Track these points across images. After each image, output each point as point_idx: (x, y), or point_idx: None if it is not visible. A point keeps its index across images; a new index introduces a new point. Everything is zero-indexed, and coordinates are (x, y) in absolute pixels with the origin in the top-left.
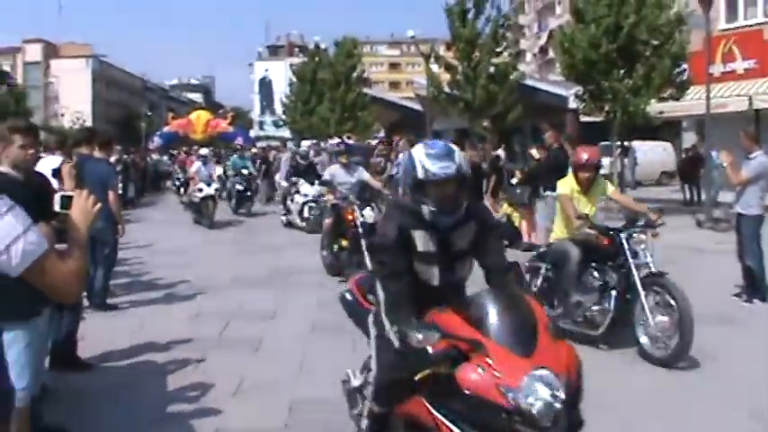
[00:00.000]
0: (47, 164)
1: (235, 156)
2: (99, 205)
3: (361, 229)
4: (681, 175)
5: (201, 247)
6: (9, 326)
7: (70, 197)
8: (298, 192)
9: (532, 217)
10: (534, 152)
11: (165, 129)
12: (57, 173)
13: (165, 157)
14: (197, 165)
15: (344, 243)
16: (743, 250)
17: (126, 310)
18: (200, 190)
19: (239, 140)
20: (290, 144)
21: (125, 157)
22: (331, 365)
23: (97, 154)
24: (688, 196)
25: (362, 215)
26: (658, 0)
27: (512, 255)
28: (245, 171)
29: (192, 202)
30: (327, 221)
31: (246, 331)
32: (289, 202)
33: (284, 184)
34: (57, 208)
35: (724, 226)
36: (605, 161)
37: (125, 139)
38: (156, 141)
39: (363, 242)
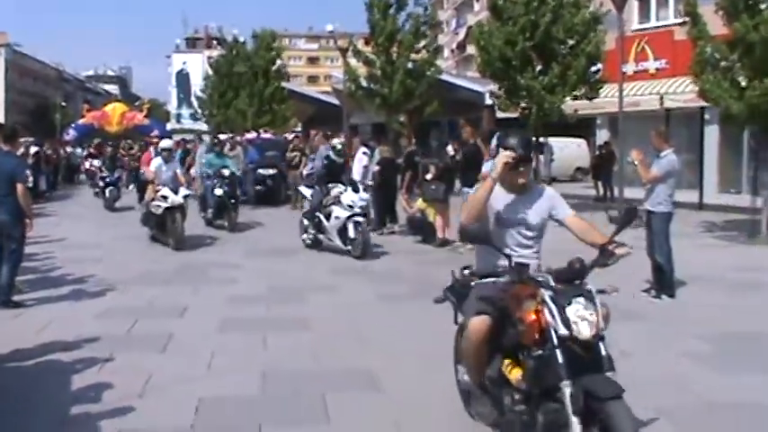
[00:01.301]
0: None
1: (211, 154)
2: None
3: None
4: (593, 172)
5: (113, 243)
6: None
7: None
8: (337, 202)
9: (447, 213)
10: (449, 148)
11: (81, 121)
12: None
13: (79, 150)
14: (156, 162)
15: None
16: (652, 247)
17: (32, 308)
18: (164, 198)
19: (155, 133)
20: (205, 137)
21: (36, 149)
22: (241, 363)
23: (3, 147)
24: (600, 192)
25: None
26: (576, 0)
27: (426, 250)
28: (225, 171)
29: (151, 214)
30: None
31: (155, 328)
32: (322, 218)
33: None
34: None
35: (636, 222)
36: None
37: (39, 130)
38: (71, 134)
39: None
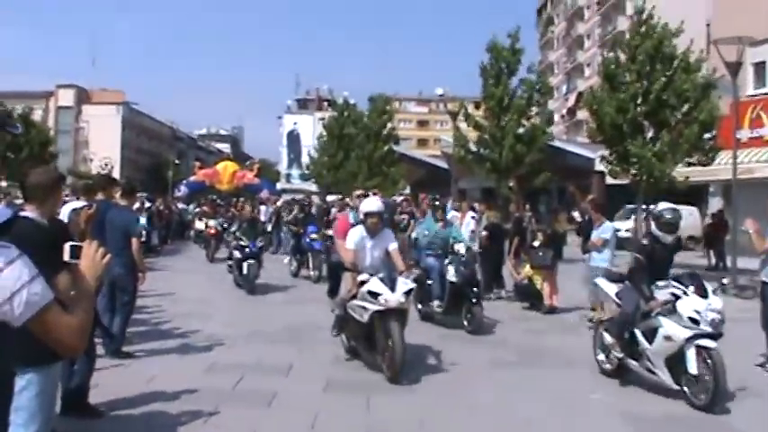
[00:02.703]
0: (69, 209)
1: (429, 218)
2: (108, 257)
3: None
4: (706, 241)
5: (222, 299)
6: (23, 370)
7: (80, 247)
8: (670, 311)
9: (554, 279)
10: (576, 215)
11: (192, 178)
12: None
13: (191, 206)
14: (357, 234)
15: None
16: (767, 319)
17: (141, 359)
18: (373, 295)
19: (264, 193)
20: (315, 198)
21: (150, 204)
22: (344, 424)
23: (121, 201)
24: (713, 262)
25: None
26: (688, 65)
27: (534, 317)
28: (459, 247)
29: (350, 320)
30: None
31: (261, 385)
32: (639, 336)
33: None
34: (66, 257)
35: (749, 293)
36: (628, 224)
37: (152, 186)
38: (183, 190)
39: None
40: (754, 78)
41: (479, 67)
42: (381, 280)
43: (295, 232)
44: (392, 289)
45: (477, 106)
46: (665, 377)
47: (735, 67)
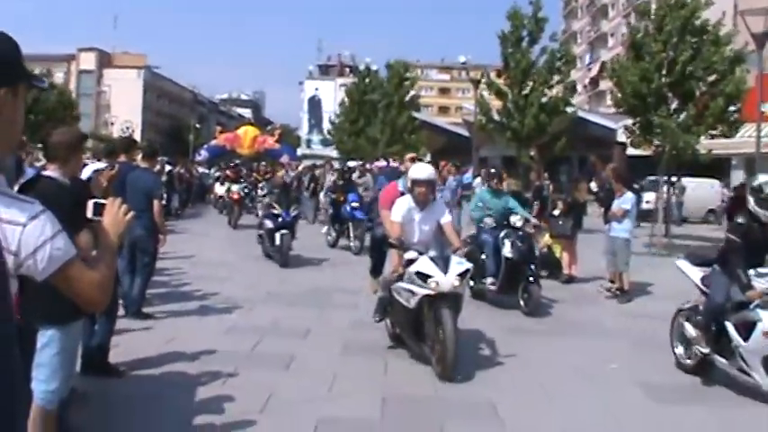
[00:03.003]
0: (91, 170)
1: (483, 188)
2: (131, 214)
3: None
4: (727, 214)
5: (241, 262)
6: (45, 327)
7: (103, 204)
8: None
9: (574, 249)
10: (593, 185)
11: (213, 142)
12: (90, 180)
13: (212, 170)
14: (404, 204)
15: None
16: None
17: (161, 320)
18: (423, 277)
19: (285, 158)
20: (335, 163)
21: (170, 168)
22: (361, 387)
23: (142, 164)
24: None
25: None
26: (717, 37)
27: (552, 286)
28: (516, 219)
29: (396, 304)
30: None
31: (279, 348)
32: (731, 330)
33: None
34: (89, 215)
35: None
36: (651, 196)
37: (173, 150)
38: (203, 155)
39: None
40: None
41: (497, 36)
42: (432, 260)
43: (334, 200)
44: (444, 270)
45: (499, 74)
46: (761, 380)
47: (762, 39)
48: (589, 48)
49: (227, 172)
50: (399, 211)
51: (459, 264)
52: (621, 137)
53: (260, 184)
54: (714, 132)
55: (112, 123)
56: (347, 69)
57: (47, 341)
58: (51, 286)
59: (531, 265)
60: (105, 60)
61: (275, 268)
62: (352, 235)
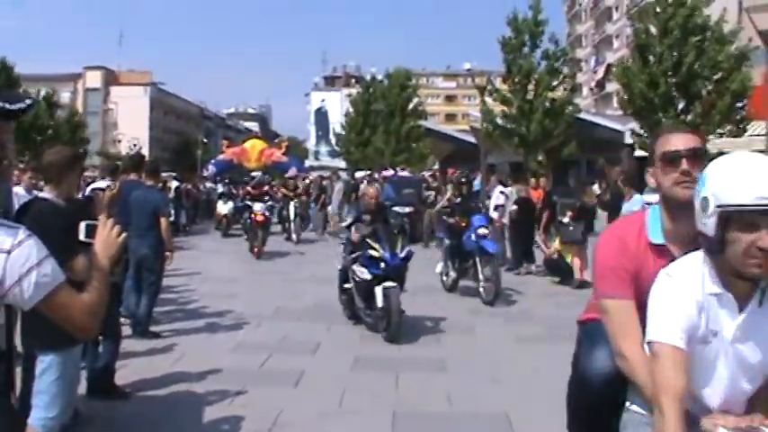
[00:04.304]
0: (90, 188)
1: None
2: (123, 235)
3: None
4: None
5: (249, 277)
6: (44, 353)
7: (95, 226)
8: None
9: (585, 254)
10: (596, 188)
11: (220, 156)
12: (89, 199)
13: (220, 186)
14: None
15: None
16: None
17: (168, 339)
18: None
19: (293, 171)
20: (342, 174)
21: (177, 184)
22: (372, 402)
23: (146, 181)
24: None
25: None
26: (721, 36)
27: (564, 291)
28: None
29: None
30: None
31: (288, 364)
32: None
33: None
34: (81, 237)
35: None
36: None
37: (181, 166)
38: (211, 169)
39: None
40: None
41: (498, 42)
42: None
43: (452, 225)
44: None
45: (504, 80)
46: None
47: None
48: (594, 51)
49: (249, 188)
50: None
51: None
52: (629, 139)
53: (293, 202)
54: (721, 131)
55: (120, 141)
56: (353, 80)
57: (46, 366)
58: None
59: None
60: (111, 78)
61: (283, 283)
62: (480, 275)
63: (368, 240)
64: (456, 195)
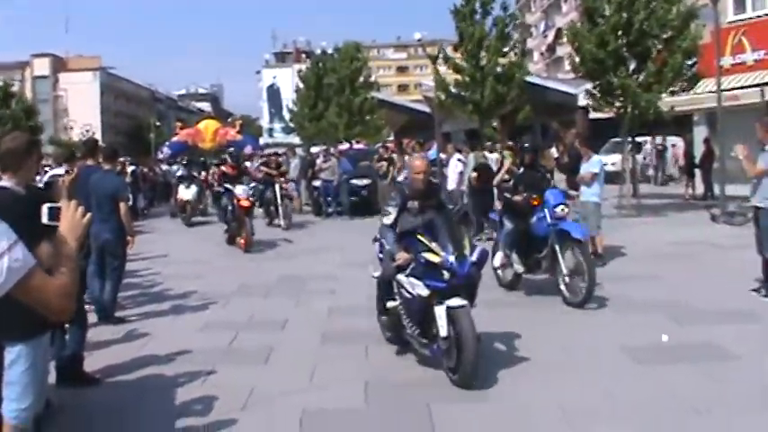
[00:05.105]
0: (47, 176)
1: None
2: (88, 216)
3: None
4: (690, 170)
5: (212, 258)
6: (11, 344)
7: (58, 209)
8: None
9: None
10: (554, 151)
11: (174, 138)
12: (48, 185)
13: (175, 167)
14: None
15: None
16: (762, 244)
17: (135, 323)
18: None
19: (248, 149)
20: (298, 150)
21: (133, 168)
22: (343, 374)
23: (104, 166)
24: (694, 191)
25: None
26: None
27: None
28: None
29: None
30: None
31: (257, 341)
32: None
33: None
34: (44, 220)
35: (740, 220)
36: (615, 158)
37: (135, 150)
38: (165, 152)
39: None
40: (734, 4)
41: (449, 11)
42: None
43: (518, 204)
44: None
45: (455, 48)
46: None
47: None
48: (544, 15)
49: (224, 168)
50: None
51: None
52: (582, 101)
53: (287, 185)
54: (674, 88)
55: (71, 128)
56: (303, 55)
57: (15, 357)
58: (14, 301)
59: None
60: (59, 65)
61: (249, 260)
62: (563, 267)
63: (420, 238)
64: (517, 165)
